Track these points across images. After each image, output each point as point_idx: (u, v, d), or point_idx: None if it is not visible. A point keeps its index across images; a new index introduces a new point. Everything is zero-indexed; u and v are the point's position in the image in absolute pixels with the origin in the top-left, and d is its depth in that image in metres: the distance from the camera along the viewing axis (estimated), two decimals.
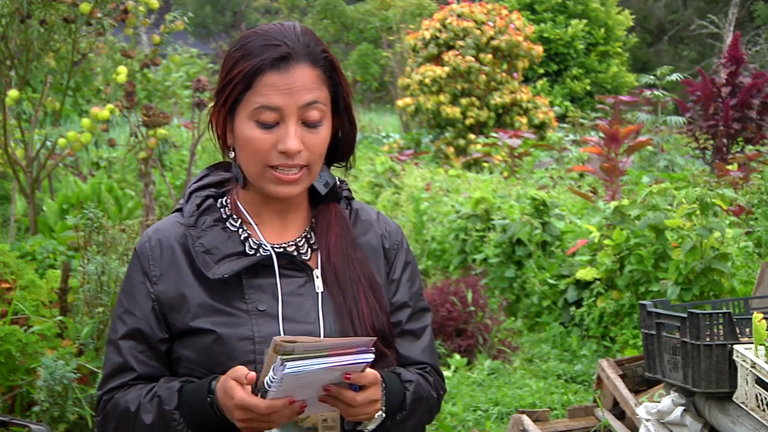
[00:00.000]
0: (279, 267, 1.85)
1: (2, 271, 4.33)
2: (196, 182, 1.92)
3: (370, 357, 1.67)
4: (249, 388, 1.68)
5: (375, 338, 1.73)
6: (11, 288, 4.27)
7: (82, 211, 4.51)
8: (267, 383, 1.64)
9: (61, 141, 6.97)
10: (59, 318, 4.25)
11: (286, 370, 1.60)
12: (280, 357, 1.60)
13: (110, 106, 6.91)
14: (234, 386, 1.68)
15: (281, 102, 1.77)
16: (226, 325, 1.80)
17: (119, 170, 10.75)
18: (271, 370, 1.63)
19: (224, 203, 1.91)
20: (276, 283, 1.84)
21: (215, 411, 1.74)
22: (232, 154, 1.87)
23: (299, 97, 1.78)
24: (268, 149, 1.79)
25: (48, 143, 7.38)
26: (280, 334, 1.79)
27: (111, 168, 10.88)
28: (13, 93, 6.73)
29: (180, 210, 1.91)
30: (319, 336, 1.82)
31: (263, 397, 1.66)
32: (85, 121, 6.97)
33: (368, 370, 1.71)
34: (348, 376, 1.68)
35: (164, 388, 1.80)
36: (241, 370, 1.70)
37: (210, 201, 1.89)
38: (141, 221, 6.29)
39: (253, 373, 1.68)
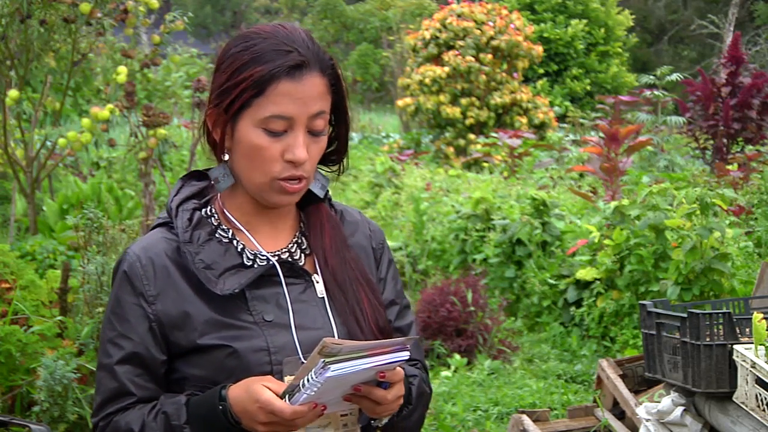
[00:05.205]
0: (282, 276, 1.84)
1: (2, 271, 4.33)
2: (176, 195, 1.86)
3: (406, 354, 1.67)
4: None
5: (413, 338, 1.75)
6: (11, 288, 4.28)
7: (82, 211, 4.52)
8: (303, 384, 1.62)
9: (61, 141, 6.97)
10: (59, 318, 4.26)
11: (329, 373, 1.58)
12: (323, 360, 1.58)
13: (110, 106, 6.91)
14: (261, 389, 1.65)
15: (294, 111, 1.74)
16: (238, 339, 1.76)
17: (119, 170, 10.75)
18: (311, 373, 1.61)
19: (210, 213, 1.86)
20: (280, 293, 1.82)
21: (228, 418, 1.69)
22: (226, 157, 1.82)
23: (310, 106, 1.76)
24: (275, 158, 1.76)
25: (48, 143, 7.38)
26: (294, 344, 1.78)
27: (111, 168, 10.88)
28: (13, 93, 6.72)
29: (162, 225, 1.86)
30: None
31: (290, 399, 1.64)
32: (85, 121, 6.96)
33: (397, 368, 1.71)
34: (382, 374, 1.67)
35: (169, 404, 1.74)
36: (269, 378, 1.69)
37: (198, 214, 1.85)
38: (141, 221, 6.29)
39: (284, 383, 1.67)
